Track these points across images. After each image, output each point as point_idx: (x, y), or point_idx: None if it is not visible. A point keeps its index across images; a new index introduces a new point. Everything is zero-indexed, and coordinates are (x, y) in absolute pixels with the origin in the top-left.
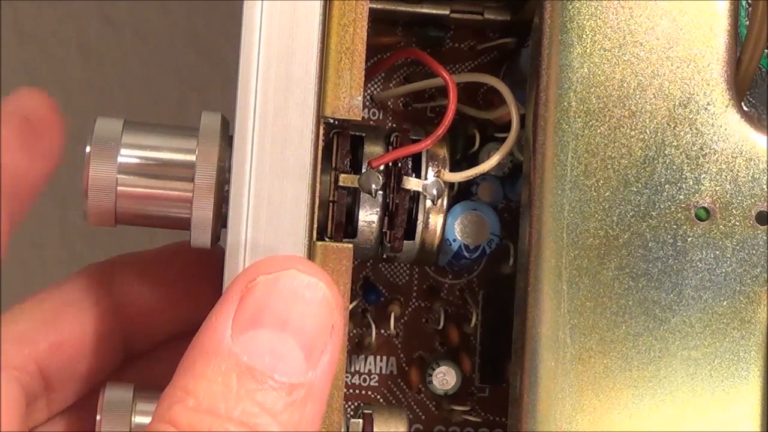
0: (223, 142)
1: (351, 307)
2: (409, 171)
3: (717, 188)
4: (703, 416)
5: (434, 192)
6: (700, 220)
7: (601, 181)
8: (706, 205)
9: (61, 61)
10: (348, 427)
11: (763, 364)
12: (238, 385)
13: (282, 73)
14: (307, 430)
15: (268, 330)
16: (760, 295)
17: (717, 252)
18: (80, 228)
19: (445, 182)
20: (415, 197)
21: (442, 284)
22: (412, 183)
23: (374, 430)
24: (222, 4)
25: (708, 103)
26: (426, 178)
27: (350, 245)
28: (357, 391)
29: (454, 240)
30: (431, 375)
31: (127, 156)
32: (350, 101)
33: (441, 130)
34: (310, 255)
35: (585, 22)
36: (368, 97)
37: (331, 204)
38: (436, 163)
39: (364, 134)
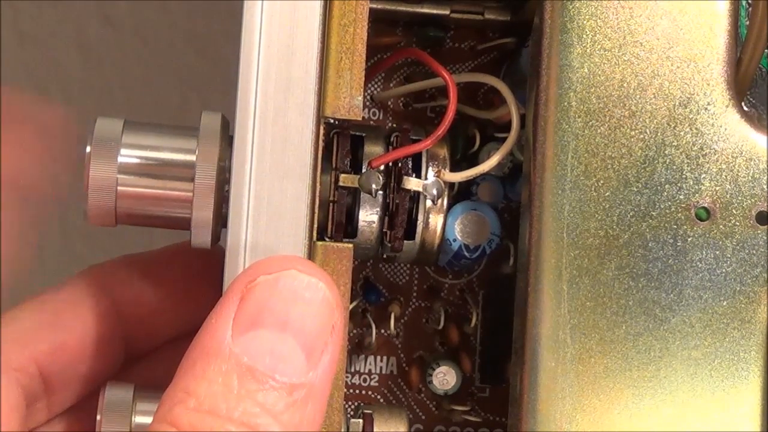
0: (223, 142)
1: (351, 307)
2: (410, 171)
3: (717, 188)
4: (703, 416)
5: (434, 192)
6: (700, 220)
7: (602, 181)
8: (706, 205)
9: (61, 61)
10: (348, 427)
11: (763, 364)
12: (239, 386)
13: (282, 73)
14: (309, 430)
15: (268, 330)
16: (760, 295)
17: (717, 252)
18: (80, 228)
19: (445, 182)
20: (416, 197)
21: (442, 284)
22: (412, 183)
23: (374, 430)
24: (222, 4)
25: (708, 103)
26: (426, 178)
27: (350, 245)
28: (357, 391)
29: (455, 240)
30: (431, 375)
31: (128, 156)
32: (350, 101)
33: (441, 130)
34: (311, 255)
35: (585, 22)
36: (368, 97)
37: (331, 204)
38: (436, 163)
39: (364, 134)
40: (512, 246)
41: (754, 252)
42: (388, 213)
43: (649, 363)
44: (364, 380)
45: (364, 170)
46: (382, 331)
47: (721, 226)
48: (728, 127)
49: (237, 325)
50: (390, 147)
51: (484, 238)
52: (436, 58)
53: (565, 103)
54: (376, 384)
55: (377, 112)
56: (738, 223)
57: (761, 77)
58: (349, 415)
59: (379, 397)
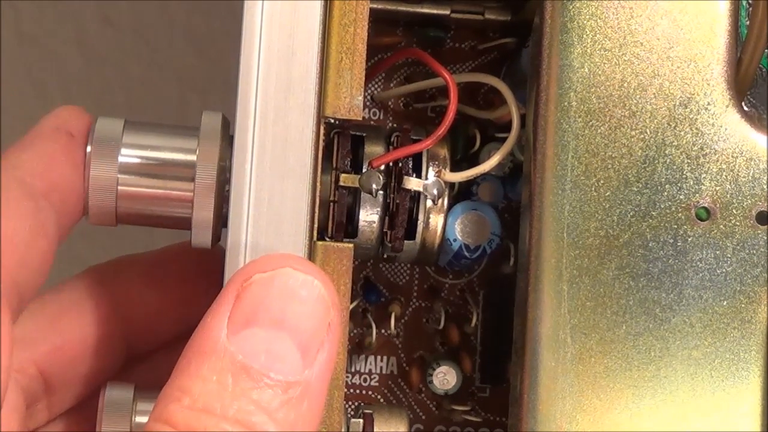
0: (223, 141)
1: (351, 307)
2: (410, 171)
3: (717, 188)
4: (703, 416)
5: (435, 192)
6: (701, 220)
7: (602, 181)
8: (706, 205)
9: (62, 61)
10: (348, 427)
11: (763, 364)
12: (234, 384)
13: (282, 73)
14: (304, 428)
15: (263, 328)
16: (760, 295)
17: (717, 252)
18: (80, 228)
19: (445, 182)
20: (416, 197)
21: (442, 284)
22: (412, 183)
23: (375, 430)
24: (222, 3)
25: (708, 103)
26: (426, 178)
27: (351, 245)
28: (357, 391)
29: (455, 240)
30: (432, 375)
31: (128, 156)
32: (351, 101)
33: (442, 130)
34: (311, 255)
35: (585, 22)
36: (369, 97)
37: (331, 204)
38: (436, 163)
39: (364, 134)
40: (512, 246)
41: (754, 252)
42: (388, 213)
43: (649, 363)
44: (365, 380)
45: (364, 170)
46: (383, 331)
47: (721, 226)
48: (728, 127)
49: (232, 324)
50: (390, 147)
51: (484, 238)
52: (437, 58)
53: (566, 103)
54: (377, 384)
55: (377, 112)
56: (738, 223)
57: (761, 77)
58: (349, 415)
59: (379, 397)
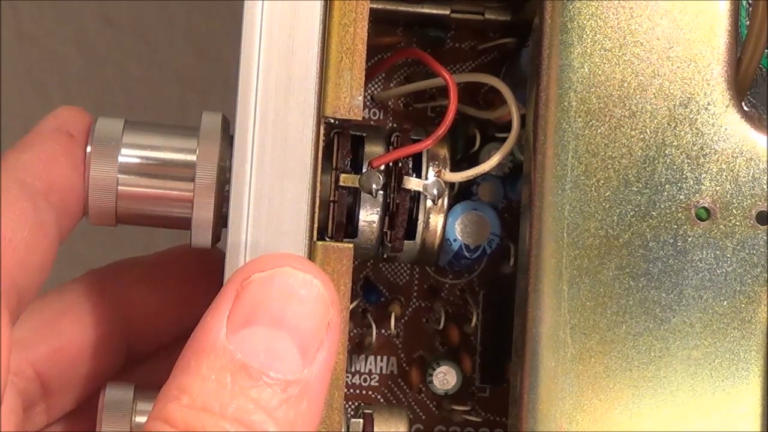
0: (223, 141)
1: (351, 307)
2: (410, 171)
3: (717, 188)
4: (703, 416)
5: (435, 192)
6: (701, 220)
7: (602, 181)
8: (706, 205)
9: (61, 61)
10: (348, 427)
11: (763, 364)
12: (233, 383)
13: (282, 73)
14: (304, 427)
15: (263, 327)
16: (760, 295)
17: (717, 252)
18: (80, 228)
19: (445, 182)
20: (416, 197)
21: (442, 284)
22: (412, 183)
23: (375, 430)
24: (222, 3)
25: (708, 103)
26: (426, 178)
27: (351, 245)
28: (357, 391)
29: (455, 240)
30: (432, 375)
31: (128, 156)
32: (351, 101)
33: (442, 130)
34: (311, 255)
35: (585, 22)
36: (369, 97)
37: (331, 204)
38: (436, 163)
39: (364, 134)
40: (512, 246)
41: (754, 252)
42: (388, 213)
43: (649, 363)
44: (365, 380)
45: (364, 170)
46: (383, 331)
47: (721, 226)
48: (728, 127)
49: (231, 323)
50: (390, 147)
51: (484, 238)
52: (437, 58)
53: (566, 103)
54: (377, 384)
55: (377, 112)
56: (738, 223)
57: (761, 77)
58: (349, 415)
59: (379, 397)
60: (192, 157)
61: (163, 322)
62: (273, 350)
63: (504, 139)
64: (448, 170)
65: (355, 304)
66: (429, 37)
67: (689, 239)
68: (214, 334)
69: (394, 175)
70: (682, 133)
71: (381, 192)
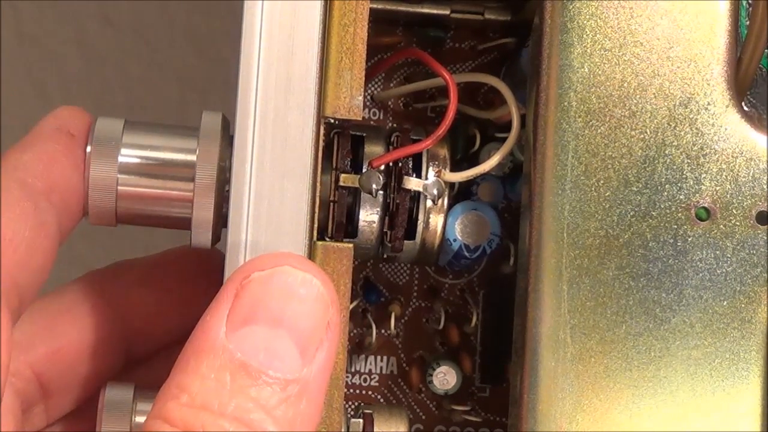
0: (223, 141)
1: (351, 307)
2: (410, 171)
3: (717, 188)
4: (703, 416)
5: (435, 192)
6: (701, 220)
7: (602, 181)
8: (706, 205)
9: (61, 61)
10: (348, 427)
11: (763, 364)
12: (232, 382)
13: (282, 73)
14: (303, 427)
15: (262, 327)
16: (760, 295)
17: (717, 252)
18: (80, 228)
19: (445, 182)
20: (416, 197)
21: (442, 284)
22: (412, 183)
23: (374, 430)
24: (222, 3)
25: (708, 103)
26: (426, 178)
27: (351, 245)
28: (357, 391)
29: (455, 240)
30: (432, 375)
31: (128, 156)
32: (351, 101)
33: (442, 130)
34: (311, 255)
35: (585, 22)
36: (369, 97)
37: (331, 204)
38: (436, 163)
39: (364, 134)
40: (512, 246)
41: (754, 252)
42: (388, 213)
43: (649, 363)
44: (365, 380)
45: (364, 170)
46: (383, 331)
47: (721, 226)
48: (728, 127)
49: (231, 322)
50: (390, 147)
51: (484, 238)
52: (437, 58)
53: (566, 103)
54: (377, 384)
55: (377, 112)
56: (738, 223)
57: (761, 77)
58: (349, 415)
59: (379, 397)
60: (192, 157)
61: (163, 323)
62: (272, 349)
63: (504, 139)
64: (448, 170)
65: (355, 304)
66: (429, 37)
67: (689, 239)
68: (213, 333)
69: (394, 175)
70: (682, 133)
71: (381, 192)
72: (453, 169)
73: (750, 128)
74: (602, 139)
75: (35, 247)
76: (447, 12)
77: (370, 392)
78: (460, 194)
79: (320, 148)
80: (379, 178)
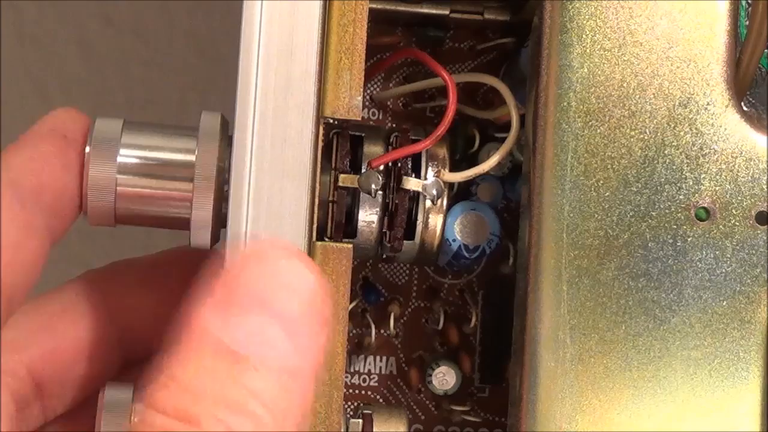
0: (222, 142)
1: (351, 307)
2: (409, 171)
3: (717, 188)
4: (703, 416)
5: (434, 192)
6: (700, 220)
7: (601, 181)
8: (706, 205)
9: (61, 61)
10: (348, 427)
11: (763, 364)
12: (223, 370)
13: (282, 73)
14: (294, 414)
15: (253, 316)
16: (760, 295)
17: (717, 252)
18: (80, 228)
19: (444, 182)
20: (415, 197)
21: (441, 284)
22: (411, 183)
23: (374, 430)
24: (222, 3)
25: (708, 103)
26: (426, 178)
27: (350, 245)
28: (357, 391)
29: (454, 240)
30: (431, 375)
31: (127, 156)
32: (350, 101)
33: (441, 130)
34: (310, 255)
35: (585, 22)
36: (368, 97)
37: (330, 204)
38: (435, 163)
39: (363, 134)
40: (512, 246)
41: (754, 252)
42: (387, 213)
43: (648, 363)
44: (364, 380)
45: (363, 170)
46: (382, 331)
47: (721, 226)
48: (728, 127)
49: (222, 311)
50: (390, 147)
51: (483, 238)
52: (436, 58)
53: (565, 103)
54: (376, 384)
55: (377, 112)
56: (738, 223)
57: (761, 77)
58: (348, 415)
59: (378, 397)
60: (191, 157)
61: (161, 324)
62: (264, 338)
63: (503, 139)
64: (447, 170)
65: (354, 304)
66: (428, 37)
67: (689, 239)
68: (203, 322)
69: (393, 175)
70: (682, 133)
71: (380, 192)
72: (452, 170)
73: (749, 128)
74: (602, 139)
75: (23, 248)
76: (446, 12)
77: (369, 392)
78: (459, 194)
79: (319, 149)
80: (379, 179)
